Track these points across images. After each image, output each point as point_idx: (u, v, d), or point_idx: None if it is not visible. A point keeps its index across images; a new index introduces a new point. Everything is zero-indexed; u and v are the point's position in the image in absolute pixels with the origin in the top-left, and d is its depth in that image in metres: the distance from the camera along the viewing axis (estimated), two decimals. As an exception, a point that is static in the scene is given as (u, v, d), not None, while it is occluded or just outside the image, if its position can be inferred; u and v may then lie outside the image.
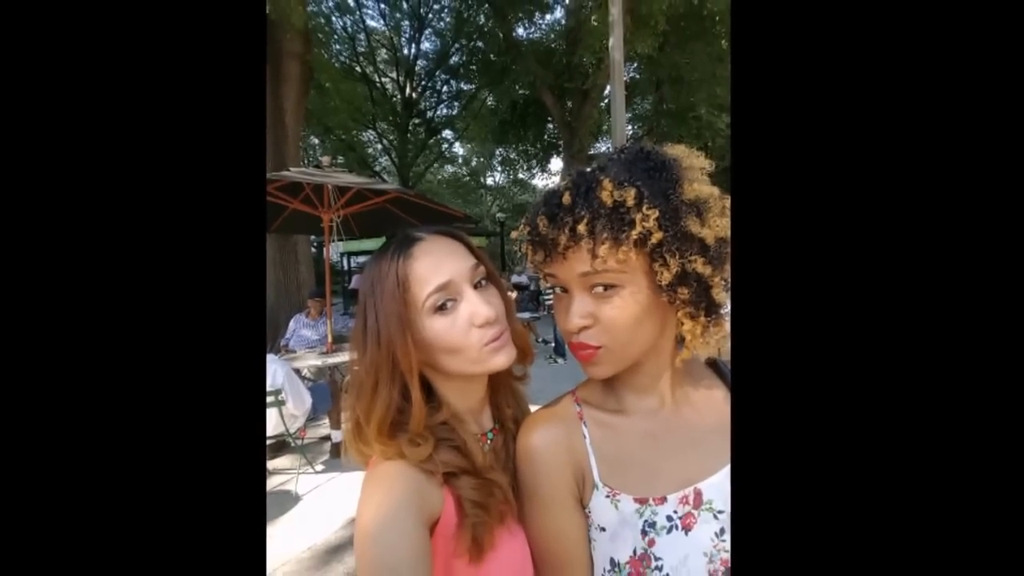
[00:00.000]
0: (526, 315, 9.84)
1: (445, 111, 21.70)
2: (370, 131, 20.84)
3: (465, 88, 20.41)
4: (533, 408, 0.95)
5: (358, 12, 17.94)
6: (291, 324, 6.42)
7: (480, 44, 17.82)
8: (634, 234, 0.70)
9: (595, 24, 11.76)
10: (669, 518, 0.77)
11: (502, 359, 0.83)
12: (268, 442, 4.65)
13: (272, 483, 4.53)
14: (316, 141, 19.09)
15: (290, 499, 4.21)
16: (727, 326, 0.76)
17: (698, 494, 0.78)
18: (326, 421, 5.44)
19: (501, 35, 15.30)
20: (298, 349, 6.03)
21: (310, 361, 5.28)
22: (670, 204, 0.72)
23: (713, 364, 0.93)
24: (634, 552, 0.77)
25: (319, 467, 4.84)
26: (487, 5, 15.01)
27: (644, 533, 0.77)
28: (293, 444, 4.72)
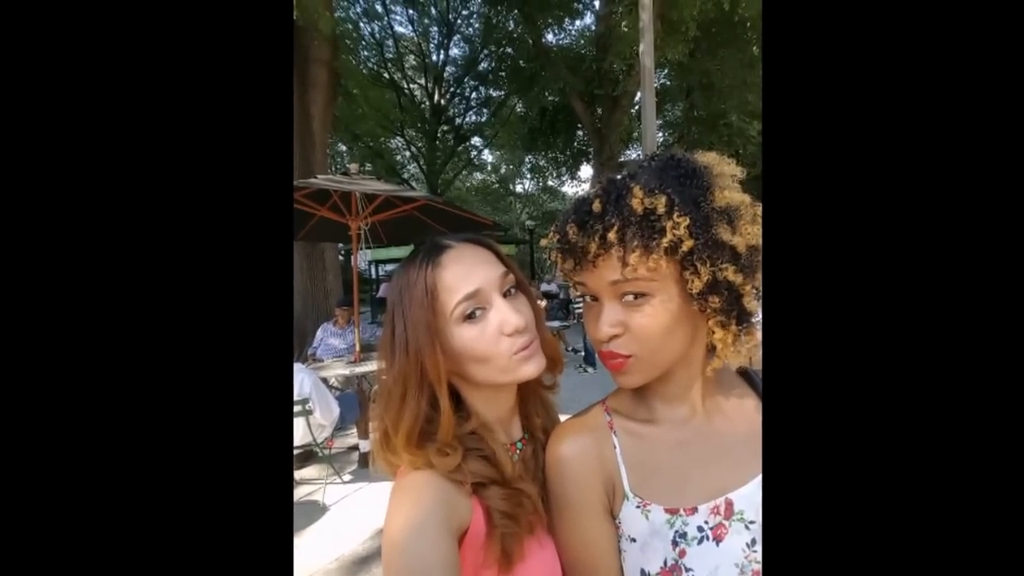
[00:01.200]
0: (555, 324, 9.78)
1: (474, 118, 21.83)
2: (398, 138, 21.01)
3: (494, 95, 20.47)
4: (563, 418, 0.95)
5: (386, 18, 18.15)
6: (319, 333, 6.40)
7: (509, 50, 17.89)
8: (665, 242, 0.70)
9: (625, 30, 11.72)
10: (700, 528, 0.76)
11: (531, 368, 0.83)
12: (295, 452, 4.64)
13: (299, 493, 4.51)
14: (344, 148, 19.31)
15: (317, 509, 4.20)
16: (758, 335, 0.75)
17: (729, 504, 0.77)
18: (354, 431, 5.43)
19: (530, 41, 15.33)
20: (325, 358, 6.00)
21: (338, 370, 5.27)
22: (701, 212, 0.72)
23: (744, 373, 0.92)
24: (665, 563, 0.76)
25: (347, 477, 4.82)
26: (516, 11, 15.04)
27: (675, 544, 0.76)
28: (320, 454, 4.70)
